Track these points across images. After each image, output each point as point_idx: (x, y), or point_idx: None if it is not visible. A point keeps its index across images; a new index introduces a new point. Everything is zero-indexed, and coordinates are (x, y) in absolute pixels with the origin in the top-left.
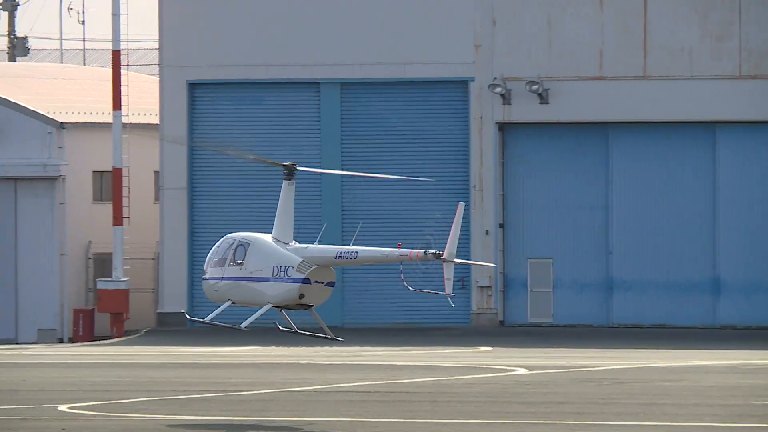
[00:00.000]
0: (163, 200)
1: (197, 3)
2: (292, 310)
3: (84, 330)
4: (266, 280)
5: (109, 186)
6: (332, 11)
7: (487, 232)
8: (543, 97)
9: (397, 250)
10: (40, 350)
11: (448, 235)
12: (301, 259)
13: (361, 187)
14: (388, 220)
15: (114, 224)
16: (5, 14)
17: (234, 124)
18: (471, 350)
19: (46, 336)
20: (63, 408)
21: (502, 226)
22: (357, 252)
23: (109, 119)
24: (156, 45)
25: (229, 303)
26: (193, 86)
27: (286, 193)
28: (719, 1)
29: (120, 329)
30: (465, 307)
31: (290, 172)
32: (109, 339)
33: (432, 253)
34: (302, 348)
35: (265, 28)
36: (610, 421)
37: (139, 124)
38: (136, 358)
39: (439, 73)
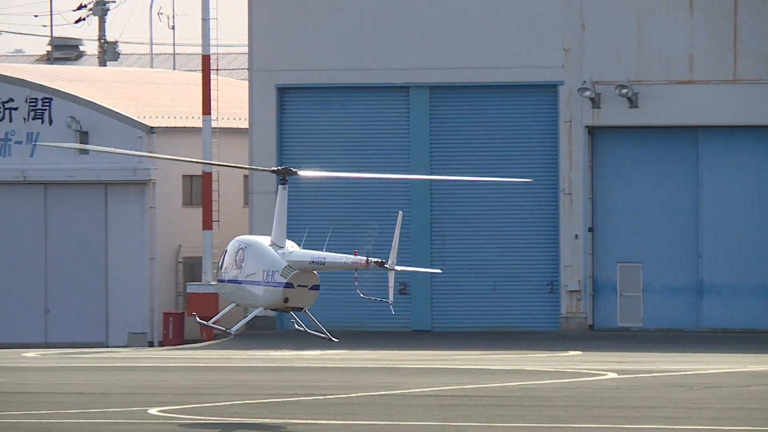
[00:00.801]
0: (253, 204)
1: (287, 7)
2: (285, 312)
3: (174, 333)
4: (258, 283)
5: (199, 190)
6: (421, 15)
7: (576, 236)
8: (632, 101)
9: (351, 257)
10: (131, 353)
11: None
12: (286, 264)
13: (449, 191)
14: (477, 223)
15: (203, 228)
16: (96, 19)
17: (323, 128)
18: (560, 354)
19: (136, 339)
20: (153, 411)
21: (591, 230)
22: (325, 258)
23: (199, 123)
24: (245, 49)
25: (233, 305)
26: (283, 90)
27: (281, 197)
28: None
29: (210, 333)
30: (554, 311)
31: (284, 177)
32: (199, 342)
33: (375, 261)
34: (391, 352)
35: (355, 32)
36: (700, 425)
37: (229, 128)
38: (225, 362)
39: (529, 77)
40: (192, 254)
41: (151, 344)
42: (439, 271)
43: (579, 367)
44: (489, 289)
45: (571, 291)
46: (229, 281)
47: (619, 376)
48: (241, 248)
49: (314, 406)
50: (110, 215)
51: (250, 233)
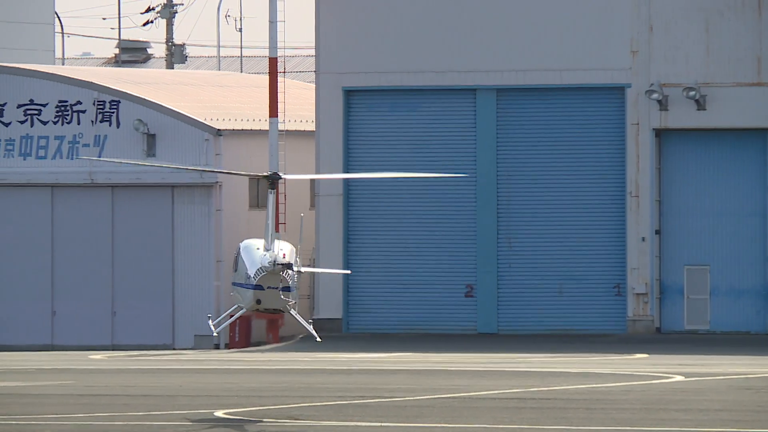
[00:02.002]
0: (319, 207)
1: (354, 10)
2: (269, 313)
3: (240, 336)
4: (243, 286)
5: (266, 193)
6: (488, 18)
7: (643, 239)
8: (700, 104)
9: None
10: (197, 356)
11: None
12: (258, 266)
13: (516, 193)
14: (543, 225)
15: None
16: (163, 22)
17: (389, 131)
18: (627, 357)
19: (202, 342)
20: (219, 414)
21: (658, 232)
22: (274, 260)
23: (266, 126)
24: (312, 52)
25: (236, 307)
26: (349, 93)
27: (270, 201)
28: None
29: (276, 335)
30: (621, 314)
31: (272, 182)
32: (265, 345)
33: (282, 264)
34: (458, 354)
35: (422, 35)
36: None
37: (296, 130)
38: (291, 364)
39: (596, 80)
40: None
41: (217, 347)
42: (349, 272)
43: (646, 370)
44: (555, 291)
45: (637, 294)
46: (232, 284)
47: (686, 379)
48: (238, 252)
49: (380, 409)
50: (177, 218)
51: (317, 236)
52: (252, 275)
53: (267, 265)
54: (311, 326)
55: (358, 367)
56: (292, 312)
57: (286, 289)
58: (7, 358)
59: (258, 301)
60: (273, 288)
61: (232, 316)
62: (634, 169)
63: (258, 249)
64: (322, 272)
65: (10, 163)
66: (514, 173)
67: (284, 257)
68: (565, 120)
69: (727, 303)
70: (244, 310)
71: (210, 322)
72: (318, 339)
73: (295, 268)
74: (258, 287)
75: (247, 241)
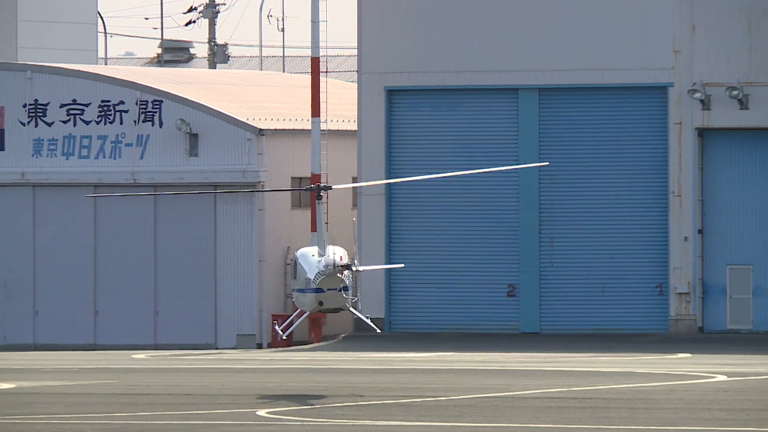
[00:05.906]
0: (361, 206)
1: (396, 9)
2: (328, 313)
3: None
4: (303, 291)
5: (308, 192)
6: (530, 17)
7: (686, 239)
8: (743, 103)
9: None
10: (239, 355)
11: None
12: (317, 271)
13: (558, 192)
14: (585, 225)
15: (312, 230)
16: (206, 22)
17: (431, 130)
18: (669, 357)
19: (245, 341)
20: (261, 413)
21: (701, 232)
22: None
23: (308, 126)
24: (355, 52)
25: (300, 310)
26: (391, 92)
27: (318, 210)
28: None
29: (318, 335)
30: (663, 314)
31: (319, 192)
32: (308, 344)
33: (341, 266)
34: (500, 354)
35: (464, 34)
36: None
37: (338, 130)
38: (333, 364)
39: (638, 79)
40: None
41: (259, 346)
42: (402, 265)
43: (688, 370)
44: (598, 291)
45: (680, 293)
46: (294, 290)
47: (729, 379)
48: (296, 260)
49: (422, 408)
50: (219, 217)
51: (359, 235)
52: (312, 279)
53: (324, 269)
54: (369, 319)
55: (401, 367)
56: (352, 309)
57: (345, 288)
58: (50, 358)
59: (320, 303)
60: (333, 289)
61: (299, 317)
62: (677, 169)
63: (313, 256)
64: (377, 269)
65: (53, 163)
66: (557, 173)
67: (341, 259)
68: (607, 119)
69: None
70: (308, 312)
71: (277, 327)
72: (377, 330)
73: (353, 268)
74: (319, 290)
75: (302, 250)
